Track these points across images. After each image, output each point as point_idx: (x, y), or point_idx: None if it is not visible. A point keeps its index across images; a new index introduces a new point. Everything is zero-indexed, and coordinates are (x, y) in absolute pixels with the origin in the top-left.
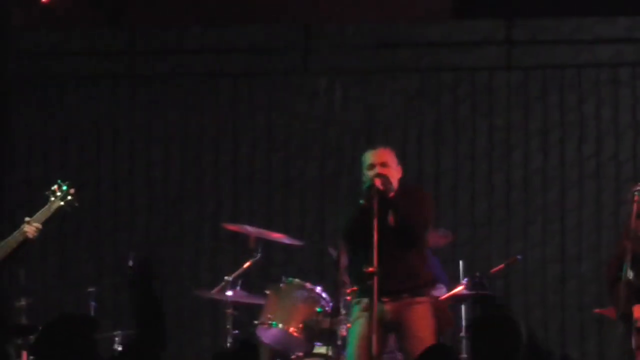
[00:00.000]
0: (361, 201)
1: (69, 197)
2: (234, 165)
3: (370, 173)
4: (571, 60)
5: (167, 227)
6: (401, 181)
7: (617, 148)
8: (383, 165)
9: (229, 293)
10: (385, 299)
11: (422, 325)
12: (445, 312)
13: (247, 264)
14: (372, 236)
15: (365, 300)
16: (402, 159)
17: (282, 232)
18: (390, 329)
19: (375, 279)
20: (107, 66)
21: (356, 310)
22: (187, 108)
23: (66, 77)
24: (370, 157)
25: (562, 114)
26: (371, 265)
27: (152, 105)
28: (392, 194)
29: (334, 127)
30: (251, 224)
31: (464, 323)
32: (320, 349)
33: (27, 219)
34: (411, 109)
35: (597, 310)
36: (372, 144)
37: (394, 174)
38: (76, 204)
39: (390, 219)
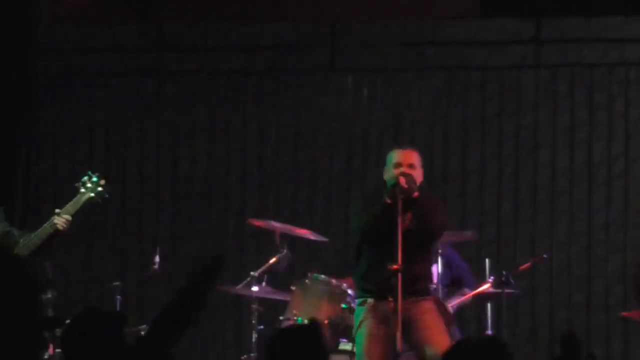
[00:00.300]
0: (386, 199)
1: (100, 189)
2: (260, 162)
3: (396, 172)
4: (600, 59)
5: (193, 223)
6: (420, 185)
7: None
8: (410, 166)
9: (255, 289)
10: (391, 299)
11: (431, 318)
12: (446, 310)
13: (272, 260)
14: (393, 235)
15: (370, 301)
16: (428, 158)
17: (307, 229)
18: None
19: (400, 276)
20: (133, 63)
21: (361, 312)
22: (213, 105)
23: (93, 73)
24: (397, 156)
25: (590, 113)
26: (394, 263)
27: (179, 101)
28: (415, 195)
29: (360, 125)
30: (277, 220)
31: (489, 321)
32: (345, 345)
33: (57, 210)
34: (437, 108)
35: (624, 313)
36: (398, 143)
37: (418, 176)
38: (106, 196)
39: (407, 220)
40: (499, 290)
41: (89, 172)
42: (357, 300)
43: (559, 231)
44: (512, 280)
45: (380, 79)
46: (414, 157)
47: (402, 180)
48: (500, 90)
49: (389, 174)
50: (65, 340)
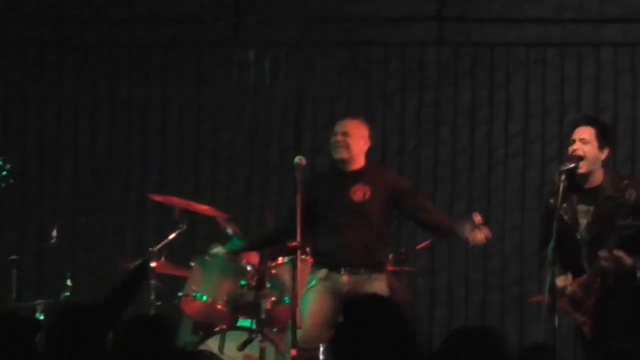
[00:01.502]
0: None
1: (4, 173)
2: (162, 136)
3: (332, 139)
4: (500, 38)
5: (93, 196)
6: (369, 157)
7: (543, 127)
8: (344, 134)
9: (153, 264)
10: (343, 271)
11: None
12: (402, 289)
13: (172, 235)
14: (337, 207)
15: (323, 270)
16: (329, 134)
17: (208, 204)
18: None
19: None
20: (34, 34)
21: (313, 278)
22: (115, 78)
23: None
24: (336, 125)
25: (491, 92)
26: (338, 235)
27: (80, 74)
28: (358, 167)
29: (262, 99)
30: (178, 195)
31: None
32: (244, 322)
33: None
34: (340, 84)
35: (532, 299)
36: (300, 118)
37: (357, 145)
38: (11, 181)
39: (356, 192)
40: (398, 268)
41: None
42: (312, 269)
43: (457, 209)
44: (411, 258)
45: (283, 54)
46: (351, 126)
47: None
48: (402, 66)
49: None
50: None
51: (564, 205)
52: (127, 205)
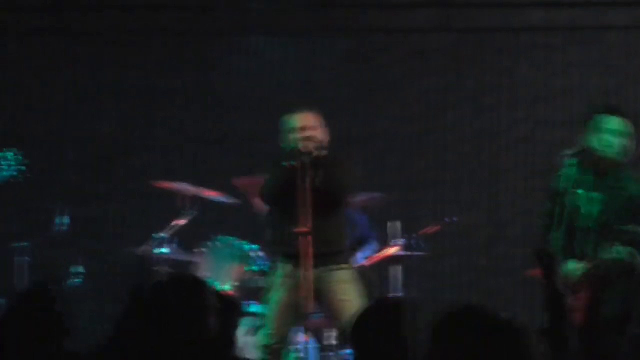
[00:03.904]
0: (284, 163)
1: (19, 166)
2: (167, 122)
3: (297, 136)
4: (505, 23)
5: (98, 183)
6: (327, 145)
7: (549, 112)
8: (309, 129)
9: (164, 250)
10: (303, 264)
11: (345, 289)
12: (364, 279)
13: (181, 222)
14: (297, 198)
15: (288, 267)
16: (334, 120)
17: (216, 190)
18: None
19: (309, 238)
20: (37, 21)
21: (278, 276)
22: (119, 65)
23: None
24: (297, 120)
25: (496, 78)
26: (298, 226)
27: (85, 61)
28: (319, 156)
29: (269, 85)
30: (184, 181)
31: (400, 282)
32: (253, 307)
33: None
34: (345, 70)
35: (527, 272)
36: (301, 106)
37: (321, 136)
38: (24, 170)
39: (313, 179)
40: (409, 253)
41: (4, 149)
42: (269, 264)
43: (464, 194)
44: (421, 243)
45: (290, 40)
46: (313, 118)
47: (306, 145)
48: (407, 52)
49: (291, 138)
50: None
51: (572, 190)
52: (131, 192)
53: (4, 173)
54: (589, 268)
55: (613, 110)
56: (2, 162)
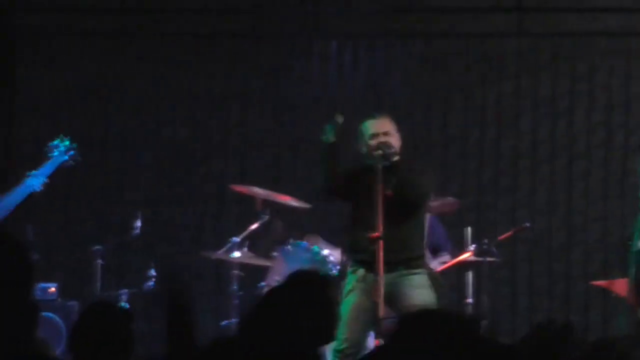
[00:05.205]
0: (364, 166)
1: (72, 152)
2: (242, 127)
3: (374, 142)
4: (581, 28)
5: (173, 187)
6: (401, 150)
7: (626, 117)
8: (386, 134)
9: (236, 254)
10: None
11: (418, 294)
12: (441, 285)
13: (254, 226)
14: (374, 203)
15: (361, 271)
16: (408, 126)
17: (289, 195)
18: (385, 300)
19: (381, 243)
20: (115, 24)
21: (351, 281)
22: (194, 68)
23: (74, 34)
24: (371, 126)
25: (572, 83)
26: (374, 231)
27: (160, 64)
28: (396, 161)
29: (342, 91)
30: (259, 185)
31: (470, 289)
32: None
33: (28, 173)
34: (419, 75)
35: (596, 282)
36: (374, 111)
37: (395, 141)
38: (79, 158)
39: (389, 186)
40: (481, 259)
41: (61, 135)
42: (349, 268)
43: (539, 200)
44: (494, 249)
45: (363, 45)
46: (388, 124)
47: (383, 149)
48: (482, 58)
49: (366, 145)
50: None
51: None
52: (207, 196)
53: (59, 159)
54: None
55: None
56: (56, 151)
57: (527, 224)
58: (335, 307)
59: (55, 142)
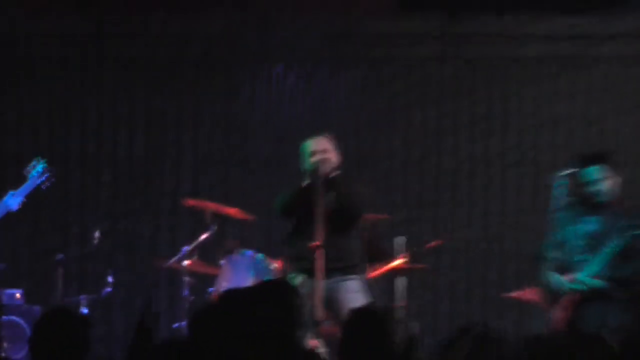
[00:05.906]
0: (306, 182)
1: (47, 175)
2: (194, 146)
3: (313, 159)
4: (504, 54)
5: (130, 201)
6: (340, 166)
7: (536, 139)
8: (324, 152)
9: (187, 262)
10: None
11: (355, 298)
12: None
13: (203, 236)
14: (314, 214)
15: (301, 277)
16: (347, 144)
17: (237, 208)
18: (324, 304)
19: (320, 251)
20: (76, 49)
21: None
22: (151, 91)
23: (37, 59)
24: (311, 145)
25: (489, 106)
26: (314, 241)
27: (120, 87)
28: (333, 177)
29: (289, 112)
30: (209, 199)
31: (402, 295)
32: None
33: (11, 192)
34: (352, 99)
35: (510, 294)
36: (318, 131)
37: (334, 159)
38: (53, 180)
39: (328, 199)
40: (414, 266)
41: (37, 157)
42: (291, 275)
43: (459, 214)
44: (423, 257)
45: (309, 69)
46: (325, 143)
47: (321, 166)
48: (411, 82)
49: (306, 162)
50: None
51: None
52: (161, 210)
53: (36, 181)
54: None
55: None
56: (34, 172)
57: (449, 235)
58: (298, 313)
59: (33, 163)
